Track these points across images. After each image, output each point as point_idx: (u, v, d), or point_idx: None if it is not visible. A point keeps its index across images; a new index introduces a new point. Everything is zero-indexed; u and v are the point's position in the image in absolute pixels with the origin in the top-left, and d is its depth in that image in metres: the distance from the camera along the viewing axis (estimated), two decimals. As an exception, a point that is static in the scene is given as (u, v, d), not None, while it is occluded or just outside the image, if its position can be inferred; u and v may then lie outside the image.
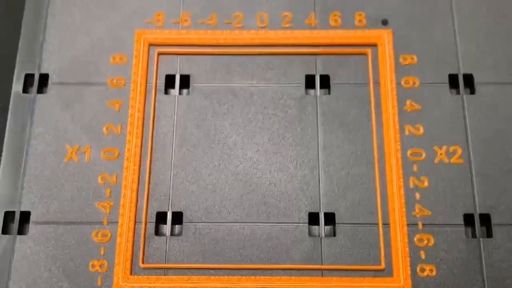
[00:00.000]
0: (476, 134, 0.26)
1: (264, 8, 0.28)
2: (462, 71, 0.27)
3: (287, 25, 0.28)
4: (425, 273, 0.24)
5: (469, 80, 0.27)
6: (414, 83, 0.27)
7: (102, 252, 0.24)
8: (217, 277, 0.24)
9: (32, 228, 0.24)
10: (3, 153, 0.26)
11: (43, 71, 0.27)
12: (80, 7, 0.28)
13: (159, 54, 0.27)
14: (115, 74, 0.27)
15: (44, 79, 0.27)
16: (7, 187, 0.25)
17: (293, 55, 0.27)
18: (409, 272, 0.24)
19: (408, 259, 0.24)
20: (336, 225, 0.24)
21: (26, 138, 0.26)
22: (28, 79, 0.27)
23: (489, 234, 0.24)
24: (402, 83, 0.26)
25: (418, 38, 0.27)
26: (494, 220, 0.24)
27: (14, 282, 0.24)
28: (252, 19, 0.28)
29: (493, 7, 0.28)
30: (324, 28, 0.28)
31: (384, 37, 0.27)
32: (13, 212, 0.25)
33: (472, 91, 0.27)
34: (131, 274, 0.24)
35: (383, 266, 0.24)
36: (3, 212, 0.25)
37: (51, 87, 0.27)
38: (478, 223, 0.24)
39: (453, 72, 0.27)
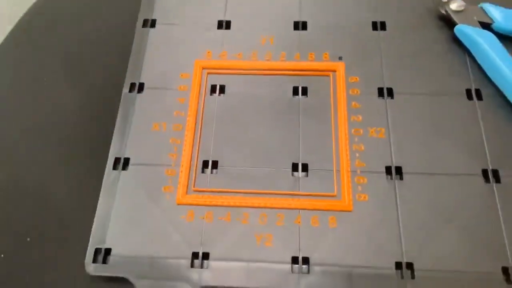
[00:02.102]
0: (393, 122, 0.28)
1: (270, 49, 0.31)
2: (386, 85, 0.29)
3: (283, 59, 0.30)
4: (361, 199, 0.26)
5: (390, 91, 0.29)
6: (357, 92, 0.29)
7: (170, 182, 0.27)
8: (237, 196, 0.26)
9: (130, 167, 0.27)
10: (116, 126, 0.28)
11: (142, 81, 0.30)
12: (164, 45, 0.31)
13: (208, 73, 0.30)
14: (182, 83, 0.30)
15: (142, 85, 0.30)
16: (117, 144, 0.28)
17: (286, 76, 0.30)
18: (351, 197, 0.26)
19: (351, 190, 0.26)
20: (309, 170, 0.27)
21: (129, 118, 0.29)
22: (132, 85, 0.30)
23: (401, 178, 0.26)
24: (350, 92, 0.29)
25: (360, 67, 0.30)
26: (404, 169, 0.27)
27: (118, 198, 0.26)
28: (262, 55, 0.31)
29: (409, 46, 0.30)
30: (304, 61, 0.30)
31: (340, 67, 0.30)
32: (120, 158, 0.28)
33: (392, 97, 0.29)
34: (186, 193, 0.26)
35: (335, 193, 0.26)
36: (114, 157, 0.28)
37: (145, 90, 0.30)
38: (394, 171, 0.26)
39: (380, 86, 0.29)
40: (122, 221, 0.26)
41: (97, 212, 0.26)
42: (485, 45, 0.29)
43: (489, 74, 0.29)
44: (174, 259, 0.25)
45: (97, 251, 0.25)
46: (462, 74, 0.30)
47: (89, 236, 0.25)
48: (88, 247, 0.25)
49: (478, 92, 0.29)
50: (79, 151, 0.29)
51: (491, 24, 0.30)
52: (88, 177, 0.28)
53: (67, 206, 0.27)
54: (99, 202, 0.26)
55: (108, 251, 0.25)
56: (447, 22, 0.31)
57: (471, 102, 0.29)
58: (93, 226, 0.26)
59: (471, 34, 0.30)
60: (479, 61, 0.30)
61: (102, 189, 0.27)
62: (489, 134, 0.28)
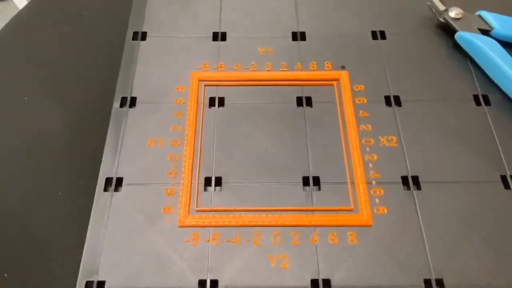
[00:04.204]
0: (404, 130, 0.27)
1: (269, 60, 0.29)
2: (392, 93, 0.28)
3: (283, 69, 0.29)
4: (380, 212, 0.24)
5: (397, 99, 0.28)
6: (363, 100, 0.28)
7: (169, 202, 0.24)
8: (245, 215, 0.24)
9: (124, 188, 0.24)
10: (106, 144, 0.26)
11: (133, 95, 0.28)
12: (157, 58, 0.29)
13: (205, 85, 0.28)
14: (178, 97, 0.28)
15: (133, 100, 0.27)
16: (108, 163, 0.25)
17: (288, 86, 0.28)
18: (369, 210, 0.24)
19: (368, 203, 0.24)
20: (321, 183, 0.25)
21: (121, 135, 0.26)
22: (123, 100, 0.27)
23: (418, 188, 0.25)
24: (356, 101, 0.28)
25: (363, 75, 0.29)
26: (421, 179, 0.25)
27: (111, 222, 0.23)
28: (262, 66, 0.29)
29: (411, 54, 0.30)
30: (306, 71, 0.29)
31: (344, 75, 0.29)
32: (111, 178, 0.25)
33: (400, 105, 0.28)
34: (189, 214, 0.24)
35: (352, 207, 0.24)
36: (105, 177, 0.25)
37: (138, 105, 0.27)
38: (411, 181, 0.25)
39: (387, 94, 0.28)
40: (117, 248, 0.23)
41: (87, 239, 0.23)
42: (488, 50, 0.28)
43: (494, 79, 0.29)
44: (178, 290, 0.22)
45: (88, 284, 0.22)
46: (467, 80, 0.29)
47: (78, 270, 0.22)
48: (78, 281, 0.22)
49: (485, 97, 0.28)
50: (67, 174, 0.25)
51: (490, 31, 0.30)
52: (77, 201, 0.24)
53: (53, 235, 0.24)
54: (89, 228, 0.23)
55: (101, 284, 0.22)
56: (446, 29, 0.31)
57: (479, 107, 0.28)
58: (83, 256, 0.22)
59: (472, 40, 0.29)
60: (482, 67, 0.29)
61: (92, 213, 0.24)
62: (503, 139, 0.26)
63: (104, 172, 0.25)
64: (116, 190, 0.24)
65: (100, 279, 0.22)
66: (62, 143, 0.26)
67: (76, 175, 0.25)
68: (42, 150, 0.26)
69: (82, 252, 0.23)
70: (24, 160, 0.26)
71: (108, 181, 0.25)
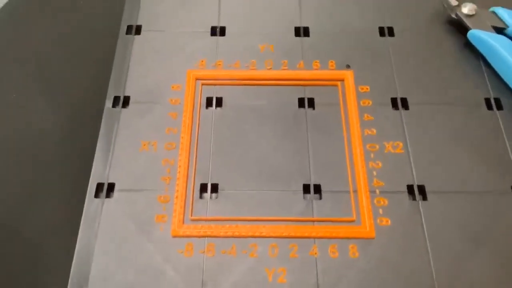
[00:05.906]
0: (411, 135, 0.25)
1: (270, 57, 0.28)
2: (399, 95, 0.26)
3: (285, 68, 0.27)
4: (383, 223, 0.23)
5: (405, 101, 0.26)
6: (368, 103, 0.26)
7: (163, 210, 0.23)
8: (242, 225, 0.22)
9: (116, 194, 0.23)
10: (97, 147, 0.24)
11: (127, 94, 0.26)
12: (151, 54, 0.28)
13: (202, 84, 0.27)
14: (173, 96, 0.26)
15: (127, 99, 0.26)
16: (100, 167, 0.24)
17: (290, 86, 0.27)
18: (372, 222, 0.23)
19: (371, 213, 0.23)
20: (322, 191, 0.23)
21: (113, 137, 0.25)
22: (116, 99, 0.26)
23: (424, 198, 0.23)
24: (361, 103, 0.26)
25: (369, 75, 0.27)
26: (427, 188, 0.23)
27: (102, 230, 0.22)
28: (262, 64, 0.27)
29: (420, 52, 0.28)
30: (309, 70, 0.27)
31: (348, 75, 0.27)
32: (103, 183, 0.23)
33: (407, 109, 0.26)
34: (183, 223, 0.23)
35: (354, 218, 0.23)
36: (96, 183, 0.23)
37: (131, 105, 0.26)
38: (417, 191, 0.23)
39: (394, 96, 0.26)
40: (107, 258, 0.22)
41: (76, 248, 0.22)
42: (502, 50, 0.27)
43: (507, 81, 0.27)
44: (170, 304, 0.21)
45: (77, 297, 0.21)
46: (478, 82, 0.27)
47: (68, 279, 0.21)
48: (66, 293, 0.21)
49: (497, 101, 0.26)
50: (55, 177, 0.24)
51: (505, 29, 0.28)
52: (66, 207, 0.23)
53: (41, 242, 0.23)
54: (79, 236, 0.22)
55: (90, 297, 0.21)
56: (458, 27, 0.29)
57: (491, 112, 0.26)
58: (73, 266, 0.21)
59: (486, 39, 0.27)
60: (496, 68, 0.27)
61: (82, 221, 0.22)
62: (515, 146, 0.25)
63: (95, 177, 0.24)
64: (107, 196, 0.23)
65: (90, 291, 0.21)
66: (51, 145, 0.25)
67: (66, 179, 0.24)
68: (29, 151, 0.25)
69: (71, 261, 0.21)
70: (11, 162, 0.24)
71: (99, 186, 0.23)
